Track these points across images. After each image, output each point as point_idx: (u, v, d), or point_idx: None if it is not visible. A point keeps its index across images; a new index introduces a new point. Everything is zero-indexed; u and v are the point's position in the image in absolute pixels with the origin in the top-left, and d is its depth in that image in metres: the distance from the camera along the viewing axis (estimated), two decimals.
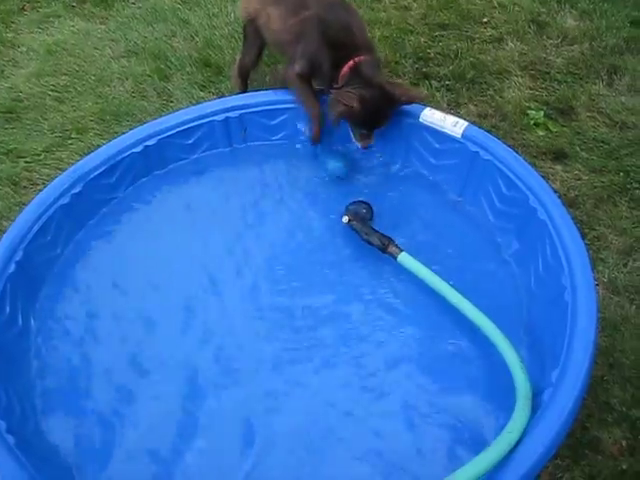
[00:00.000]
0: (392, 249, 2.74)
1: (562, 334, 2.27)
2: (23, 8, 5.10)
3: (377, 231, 2.82)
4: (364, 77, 2.91)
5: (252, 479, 2.28)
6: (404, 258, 2.71)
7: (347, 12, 3.14)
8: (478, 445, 2.18)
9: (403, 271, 2.73)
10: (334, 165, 3.16)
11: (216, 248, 3.00)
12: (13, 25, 4.93)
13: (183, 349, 2.67)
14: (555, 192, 2.77)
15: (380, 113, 2.93)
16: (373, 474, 2.27)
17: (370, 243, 2.80)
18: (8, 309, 2.66)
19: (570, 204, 3.17)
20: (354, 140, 3.08)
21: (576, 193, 3.32)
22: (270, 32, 3.37)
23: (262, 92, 3.44)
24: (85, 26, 4.82)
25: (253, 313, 2.76)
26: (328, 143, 3.22)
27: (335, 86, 2.99)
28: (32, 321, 2.76)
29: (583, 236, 2.60)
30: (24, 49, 4.69)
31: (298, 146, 3.35)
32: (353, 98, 2.83)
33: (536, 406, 2.15)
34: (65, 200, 2.96)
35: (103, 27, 4.79)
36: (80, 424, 2.49)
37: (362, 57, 2.95)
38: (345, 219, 2.88)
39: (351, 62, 2.94)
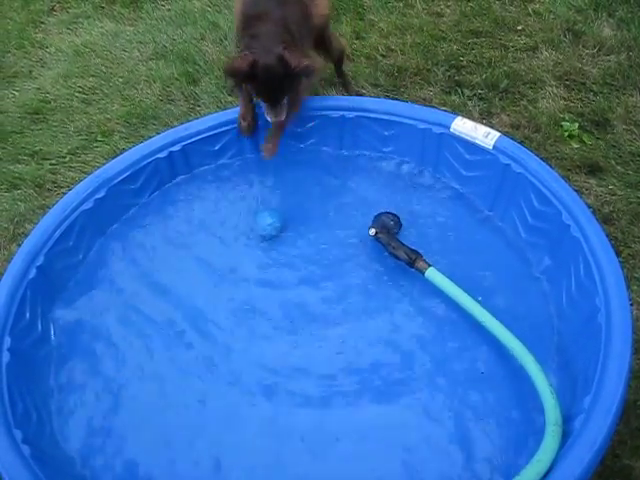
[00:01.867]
0: (420, 264, 2.68)
1: (595, 357, 2.18)
2: (53, 9, 5.09)
3: (404, 245, 2.75)
4: (262, 44, 2.81)
5: None
6: (432, 273, 2.64)
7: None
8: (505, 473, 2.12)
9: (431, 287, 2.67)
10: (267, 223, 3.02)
11: (241, 256, 2.97)
12: (42, 25, 4.93)
13: (210, 356, 2.65)
14: (589, 207, 2.69)
15: (274, 82, 2.82)
16: None
17: (397, 257, 2.74)
18: (28, 315, 2.65)
19: (604, 220, 3.07)
20: (265, 114, 2.98)
21: (611, 209, 3.22)
22: None
23: None
24: (114, 27, 4.80)
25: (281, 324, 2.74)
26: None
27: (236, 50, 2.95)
28: (51, 328, 2.75)
29: (617, 254, 2.51)
30: (53, 50, 4.68)
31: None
32: (245, 61, 2.76)
33: (567, 433, 2.08)
34: (88, 205, 2.94)
35: (132, 29, 4.77)
36: (96, 435, 2.47)
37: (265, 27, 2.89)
38: (372, 231, 2.82)
39: (252, 31, 2.89)
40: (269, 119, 2.95)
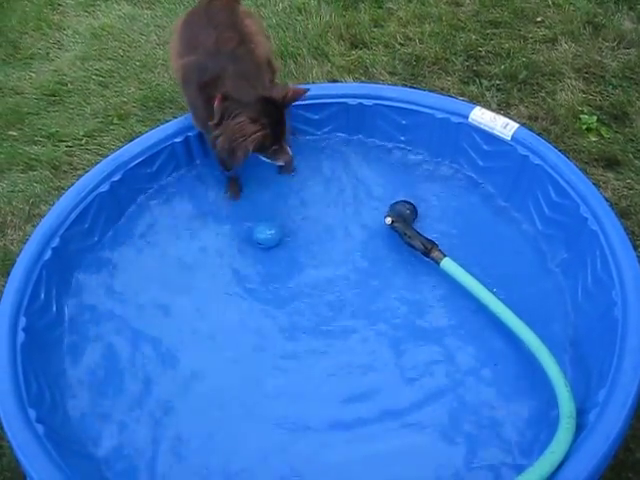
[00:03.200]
0: (435, 254, 2.67)
1: (611, 351, 2.18)
2: None
3: (420, 234, 2.74)
4: (236, 100, 2.61)
5: None
6: (447, 264, 2.63)
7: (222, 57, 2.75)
8: (519, 464, 2.13)
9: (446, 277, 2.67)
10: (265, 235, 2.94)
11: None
12: (60, 7, 4.91)
13: (217, 339, 2.68)
14: (606, 201, 2.67)
15: (276, 121, 2.65)
16: None
17: (412, 247, 2.73)
18: (43, 295, 2.64)
19: (621, 214, 3.05)
20: (272, 162, 2.82)
21: (628, 203, 3.20)
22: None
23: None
24: (132, 11, 4.79)
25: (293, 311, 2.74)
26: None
27: (211, 123, 2.67)
28: (66, 309, 2.76)
29: (634, 248, 2.49)
30: (70, 32, 4.66)
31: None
32: (249, 126, 2.56)
33: (580, 426, 2.07)
34: (104, 188, 2.93)
35: (150, 12, 4.75)
36: (109, 416, 2.48)
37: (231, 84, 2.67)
38: (388, 220, 2.82)
39: (219, 95, 2.64)
40: (282, 162, 2.82)
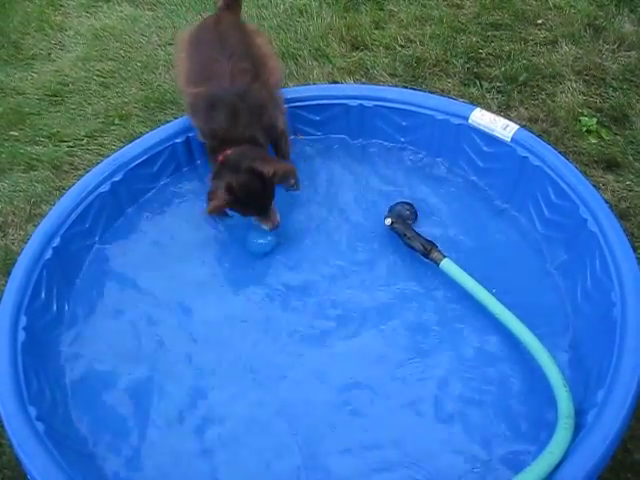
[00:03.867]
0: (435, 255, 2.67)
1: (609, 352, 2.18)
2: None
3: (420, 235, 2.75)
4: (232, 165, 2.67)
5: None
6: (447, 265, 2.64)
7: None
8: (517, 463, 2.13)
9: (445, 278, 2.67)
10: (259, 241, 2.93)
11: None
12: (62, 8, 4.94)
13: (219, 334, 2.68)
14: (606, 203, 2.67)
15: (257, 195, 2.68)
16: None
17: (412, 248, 2.74)
18: (43, 295, 2.65)
19: (621, 216, 3.05)
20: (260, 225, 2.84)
21: (627, 205, 3.21)
22: None
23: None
24: (133, 12, 4.80)
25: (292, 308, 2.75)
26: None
27: (210, 176, 2.77)
28: (66, 308, 2.76)
29: (634, 249, 2.49)
30: (72, 33, 4.68)
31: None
32: (221, 192, 2.64)
33: (579, 426, 2.07)
34: (105, 188, 2.93)
35: (151, 13, 4.77)
36: (109, 415, 2.48)
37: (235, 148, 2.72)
38: (388, 221, 2.82)
39: (221, 158, 2.72)
40: (267, 227, 2.81)
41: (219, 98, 2.73)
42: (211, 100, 2.75)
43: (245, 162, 2.65)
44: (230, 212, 2.77)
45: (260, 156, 2.72)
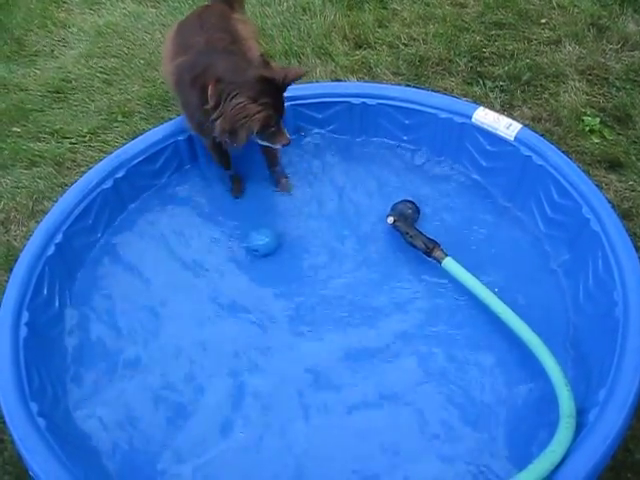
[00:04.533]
0: (437, 253, 2.68)
1: (611, 351, 2.18)
2: None
3: (422, 234, 2.75)
4: (232, 81, 2.55)
5: None
6: (449, 263, 2.64)
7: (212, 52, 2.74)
8: (518, 462, 2.13)
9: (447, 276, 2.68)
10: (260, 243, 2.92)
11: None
12: (65, 5, 4.93)
13: (224, 333, 2.69)
14: (609, 202, 2.67)
15: (276, 101, 2.59)
16: None
17: (414, 246, 2.74)
18: (46, 291, 2.66)
19: (623, 215, 3.04)
20: (270, 144, 2.77)
21: (630, 204, 3.20)
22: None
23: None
24: (136, 9, 4.80)
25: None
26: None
27: (207, 106, 2.59)
28: (68, 304, 2.77)
29: (636, 249, 2.49)
30: (75, 30, 4.68)
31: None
32: (247, 106, 2.50)
33: (580, 425, 2.08)
34: (108, 184, 2.94)
35: (154, 11, 4.76)
36: (110, 411, 2.48)
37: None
38: (390, 220, 2.82)
39: (212, 80, 2.58)
40: (281, 145, 2.74)
41: (198, 60, 2.72)
42: (192, 64, 2.73)
43: (246, 74, 2.57)
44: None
45: (258, 67, 2.64)
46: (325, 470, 2.29)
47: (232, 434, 2.41)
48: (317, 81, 3.84)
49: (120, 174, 2.98)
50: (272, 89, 2.58)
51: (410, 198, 2.96)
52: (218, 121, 2.57)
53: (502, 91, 3.82)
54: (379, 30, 4.29)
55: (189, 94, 2.74)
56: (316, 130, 3.28)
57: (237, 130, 2.55)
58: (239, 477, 2.31)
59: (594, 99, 3.74)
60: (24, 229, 3.32)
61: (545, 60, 3.99)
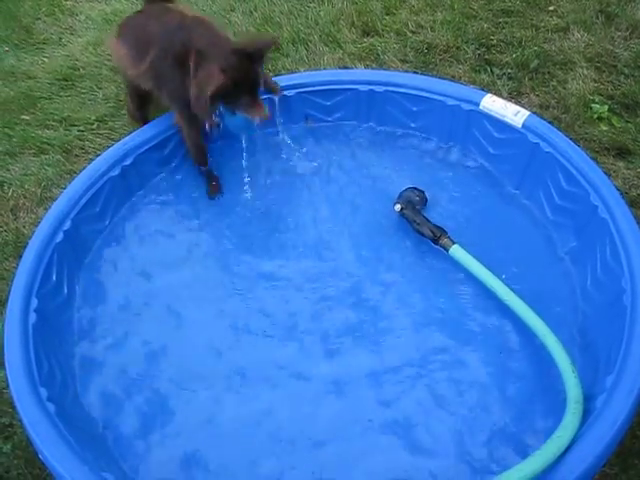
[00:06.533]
0: (444, 241, 2.68)
1: (619, 338, 2.18)
2: None
3: (429, 221, 2.75)
4: (209, 53, 2.62)
5: None
6: (456, 251, 2.64)
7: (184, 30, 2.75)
8: (525, 448, 2.13)
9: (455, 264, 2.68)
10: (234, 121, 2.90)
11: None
12: None
13: (228, 319, 2.69)
14: (617, 190, 2.66)
15: (248, 70, 2.64)
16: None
17: (421, 234, 2.74)
18: (54, 277, 2.67)
19: (631, 203, 3.03)
20: (247, 116, 2.77)
21: (638, 192, 3.19)
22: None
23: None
24: None
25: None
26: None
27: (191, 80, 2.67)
28: (77, 291, 2.78)
29: None
30: (82, 17, 4.69)
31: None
32: (214, 71, 2.56)
33: (587, 411, 2.07)
34: (116, 172, 2.95)
35: None
36: (119, 396, 2.50)
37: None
38: (397, 207, 2.82)
39: (193, 51, 2.65)
40: (257, 118, 2.74)
41: (172, 39, 2.73)
42: (165, 48, 2.75)
43: (221, 48, 2.64)
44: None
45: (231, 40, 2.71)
46: None
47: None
48: (325, 68, 3.84)
49: (128, 161, 2.98)
50: (244, 61, 2.62)
51: (417, 185, 2.95)
52: (192, 90, 2.63)
53: (510, 78, 3.81)
54: (387, 17, 4.28)
55: (174, 77, 2.76)
56: (323, 117, 3.27)
57: (200, 99, 2.60)
58: None
59: (602, 86, 3.73)
60: (33, 216, 3.33)
61: (553, 47, 3.98)
